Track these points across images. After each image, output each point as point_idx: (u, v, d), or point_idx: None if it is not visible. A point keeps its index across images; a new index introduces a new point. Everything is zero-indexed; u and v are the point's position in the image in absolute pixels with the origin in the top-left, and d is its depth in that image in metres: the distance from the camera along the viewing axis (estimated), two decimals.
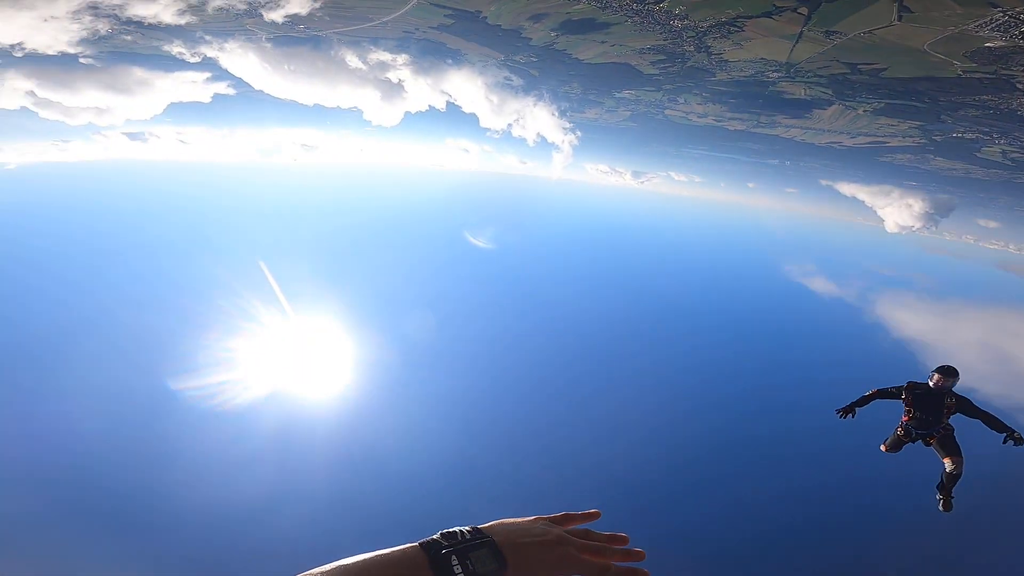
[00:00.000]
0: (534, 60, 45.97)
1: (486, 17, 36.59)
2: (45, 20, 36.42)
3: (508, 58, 46.56)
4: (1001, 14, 22.85)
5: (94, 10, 35.54)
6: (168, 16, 36.03)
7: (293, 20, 40.19)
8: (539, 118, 67.19)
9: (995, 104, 38.43)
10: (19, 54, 42.28)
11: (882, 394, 8.23)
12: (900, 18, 27.08)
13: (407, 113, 68.17)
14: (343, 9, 35.45)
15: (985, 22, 24.18)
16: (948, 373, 7.86)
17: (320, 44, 48.37)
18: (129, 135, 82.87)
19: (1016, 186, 57.56)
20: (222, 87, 58.66)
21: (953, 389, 8.05)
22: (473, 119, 67.24)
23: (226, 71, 50.36)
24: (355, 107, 66.43)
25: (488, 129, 72.00)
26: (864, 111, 49.72)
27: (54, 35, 37.64)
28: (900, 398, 8.21)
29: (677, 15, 32.65)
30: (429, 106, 64.89)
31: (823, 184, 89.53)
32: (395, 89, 60.31)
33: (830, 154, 66.53)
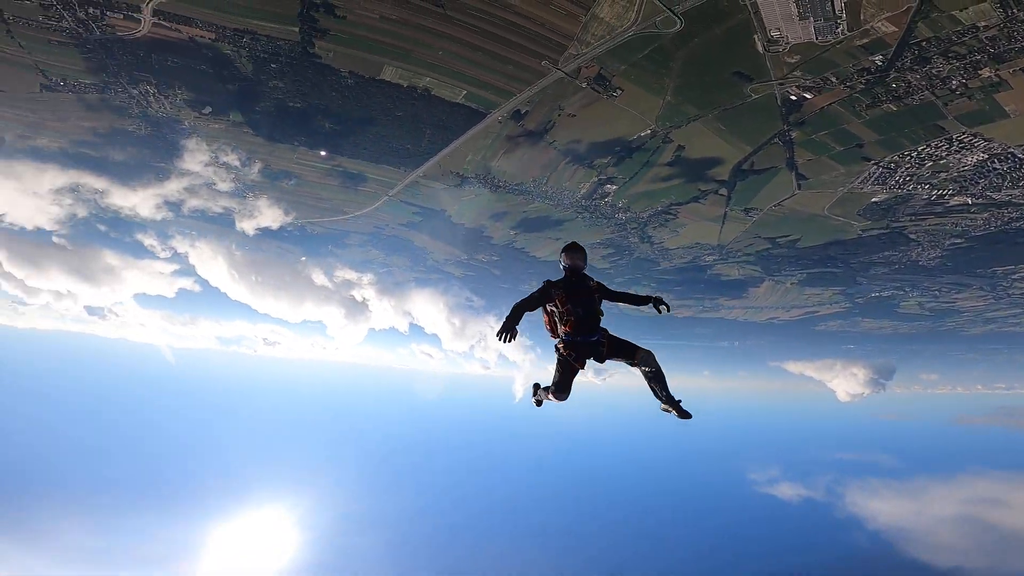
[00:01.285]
0: (495, 259, 51.21)
1: (450, 216, 42.02)
2: (28, 195, 39.11)
3: (471, 257, 51.69)
4: (875, 166, 28.82)
5: (75, 193, 38.64)
6: (146, 210, 39.23)
7: (263, 233, 43.95)
8: None
9: (898, 259, 44.91)
10: None
11: (527, 304, 6.37)
12: (799, 186, 33.26)
13: (371, 330, 70.75)
14: (319, 200, 39.68)
15: (865, 177, 30.19)
16: (575, 247, 6.69)
17: (286, 256, 52.29)
18: (88, 308, 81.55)
19: (942, 334, 63.29)
20: (188, 282, 60.43)
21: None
22: (435, 337, 70.82)
23: (193, 268, 53.15)
24: (319, 320, 69.11)
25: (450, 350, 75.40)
26: (791, 284, 56.30)
27: (34, 210, 39.72)
28: (549, 300, 6.52)
29: (621, 207, 38.78)
30: (391, 327, 68.26)
31: (772, 365, 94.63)
32: (359, 308, 63.76)
33: (772, 330, 72.03)
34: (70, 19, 18.04)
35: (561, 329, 6.48)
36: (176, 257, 50.88)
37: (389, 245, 48.34)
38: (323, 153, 33.21)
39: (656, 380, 6.60)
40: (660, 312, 6.56)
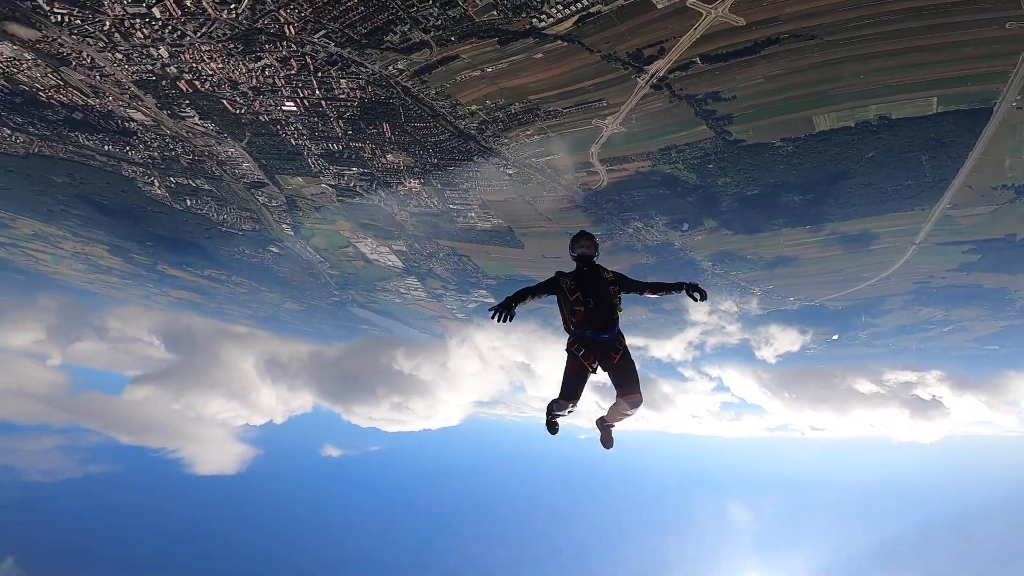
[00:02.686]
0: None
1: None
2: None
3: None
4: None
5: None
6: (678, 354, 48.96)
7: (784, 357, 44.34)
8: None
9: None
10: None
11: (533, 290, 5.74)
12: None
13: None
14: (830, 274, 36.60)
15: None
16: (583, 234, 6.06)
17: (820, 371, 48.67)
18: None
19: None
20: (727, 396, 77.69)
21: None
22: None
23: (728, 388, 66.24)
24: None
25: None
26: None
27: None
28: (560, 289, 5.86)
29: None
30: None
31: None
32: (930, 405, 50.40)
33: None
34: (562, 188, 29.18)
35: (571, 322, 5.98)
36: (711, 379, 61.37)
37: (947, 298, 37.88)
38: (808, 227, 32.88)
39: (618, 414, 6.15)
40: (696, 300, 5.81)
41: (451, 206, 27.43)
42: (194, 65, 19.36)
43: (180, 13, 16.74)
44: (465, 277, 36.84)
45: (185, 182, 34.21)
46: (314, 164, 25.72)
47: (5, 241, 54.42)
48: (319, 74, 18.96)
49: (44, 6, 17.12)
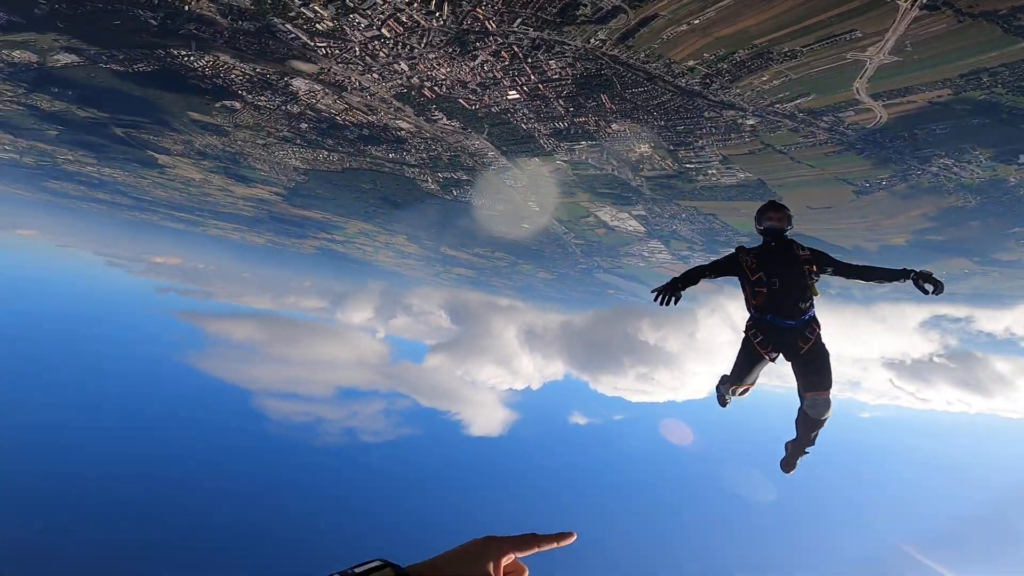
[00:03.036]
0: None
1: None
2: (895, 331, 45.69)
3: None
4: None
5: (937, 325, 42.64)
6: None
7: None
8: None
9: None
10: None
11: (706, 269, 5.06)
12: None
13: None
14: None
15: None
16: (773, 204, 5.32)
17: None
18: None
19: None
20: None
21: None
22: None
23: None
24: None
25: None
26: None
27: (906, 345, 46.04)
28: (740, 267, 5.11)
29: None
30: None
31: None
32: None
33: None
34: (819, 130, 23.03)
35: (752, 304, 5.34)
36: None
37: None
38: None
39: (808, 428, 5.18)
40: (926, 293, 4.94)
41: (687, 166, 24.95)
42: (429, 73, 21.72)
43: (402, 29, 18.88)
44: (713, 236, 33.54)
45: (449, 175, 39.29)
46: (546, 144, 26.50)
47: (343, 239, 71.83)
48: (528, 60, 19.17)
49: (308, 41, 21.34)
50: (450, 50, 19.18)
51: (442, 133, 29.59)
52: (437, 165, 37.26)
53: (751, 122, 21.50)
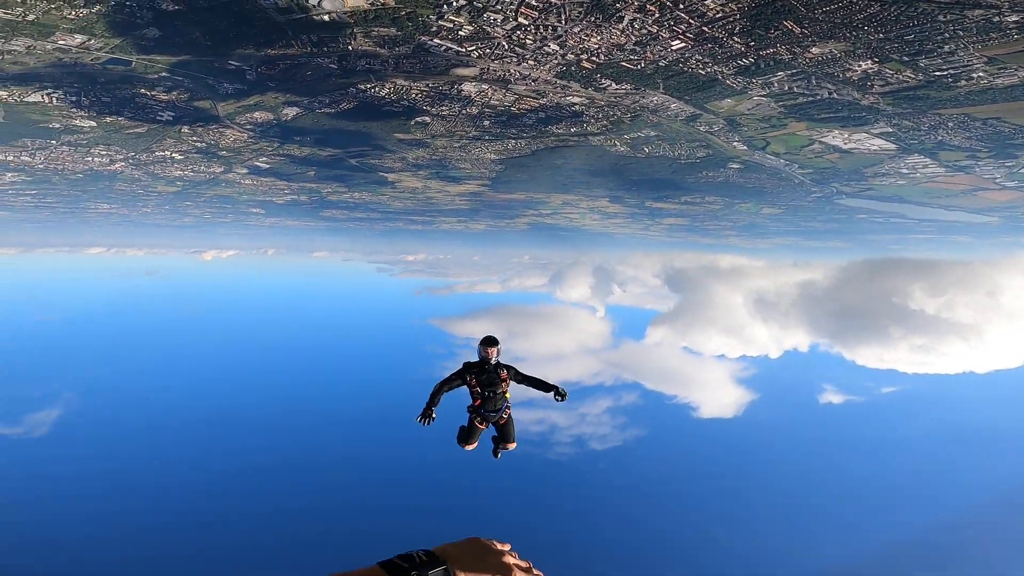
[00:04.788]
0: None
1: None
2: None
3: None
4: None
5: None
6: None
7: None
8: None
9: None
10: None
11: (448, 383, 7.95)
12: None
13: None
14: None
15: None
16: (494, 342, 7.90)
17: None
18: None
19: None
20: None
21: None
22: None
23: None
24: None
25: None
26: None
27: None
28: (465, 382, 8.01)
29: None
30: None
31: None
32: None
33: None
34: None
35: (474, 403, 8.08)
36: None
37: None
38: None
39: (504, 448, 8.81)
40: (557, 401, 7.94)
41: (936, 74, 17.68)
42: (580, 46, 19.56)
43: (537, 13, 17.09)
44: (1001, 141, 24.10)
45: (636, 134, 36.36)
46: (735, 83, 21.86)
47: (549, 212, 73.43)
48: (681, 6, 15.50)
49: (459, 49, 21.00)
50: (592, 19, 16.90)
51: (615, 98, 27.08)
52: (620, 128, 34.65)
53: (1014, 19, 14.30)
